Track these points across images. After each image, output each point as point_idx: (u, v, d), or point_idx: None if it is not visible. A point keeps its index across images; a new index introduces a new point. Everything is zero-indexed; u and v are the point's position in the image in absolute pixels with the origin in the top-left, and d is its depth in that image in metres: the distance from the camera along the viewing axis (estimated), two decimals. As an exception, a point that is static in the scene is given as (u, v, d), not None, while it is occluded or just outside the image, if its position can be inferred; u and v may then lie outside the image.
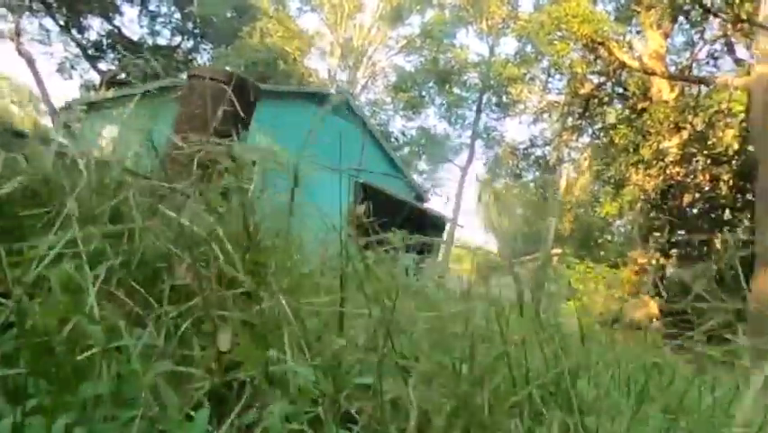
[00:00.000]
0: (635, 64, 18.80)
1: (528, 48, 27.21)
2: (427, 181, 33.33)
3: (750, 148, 16.69)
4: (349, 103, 20.94)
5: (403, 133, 33.32)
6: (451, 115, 32.71)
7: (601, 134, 23.86)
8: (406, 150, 32.72)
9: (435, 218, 19.57)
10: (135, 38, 30.06)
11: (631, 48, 20.16)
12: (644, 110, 19.51)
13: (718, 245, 17.54)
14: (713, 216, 17.03)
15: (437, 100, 32.81)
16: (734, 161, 16.41)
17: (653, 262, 18.47)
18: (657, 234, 17.75)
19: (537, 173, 33.12)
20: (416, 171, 32.44)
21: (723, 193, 16.76)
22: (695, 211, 18.75)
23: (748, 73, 15.03)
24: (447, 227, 22.80)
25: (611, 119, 22.64)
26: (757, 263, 11.97)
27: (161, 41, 31.09)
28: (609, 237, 25.13)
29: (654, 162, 17.24)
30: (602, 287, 19.15)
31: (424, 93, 32.64)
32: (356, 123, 20.80)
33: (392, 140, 31.99)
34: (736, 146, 15.82)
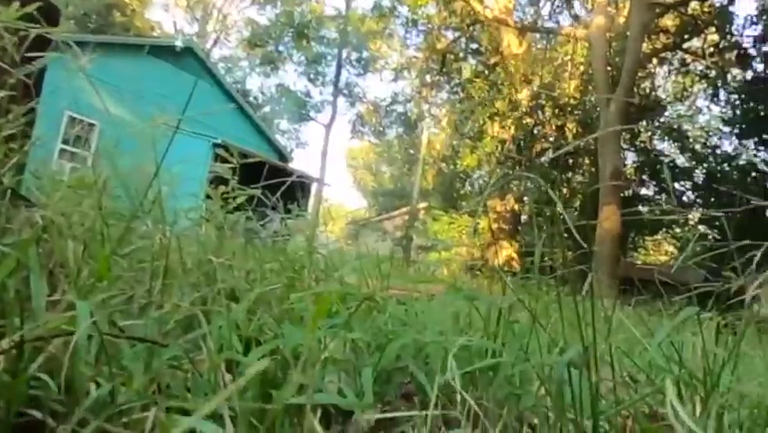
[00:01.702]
0: (490, 14, 19.34)
1: (385, 2, 26.91)
2: (291, 141, 32.26)
3: (588, 97, 18.12)
4: (199, 57, 19.21)
5: (262, 92, 31.67)
6: (311, 71, 31.65)
7: (458, 90, 24.55)
8: (267, 108, 31.20)
9: (301, 178, 18.92)
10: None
11: (482, 2, 20.71)
12: (496, 64, 20.28)
13: (566, 191, 19.07)
14: (560, 162, 18.33)
15: (295, 56, 31.52)
16: (576, 111, 17.69)
17: (510, 209, 19.64)
18: (513, 182, 18.79)
19: (400, 130, 33.61)
20: (279, 131, 31.18)
21: (568, 141, 18.08)
22: (542, 159, 20.11)
23: (587, 27, 16.09)
24: (314, 187, 22.31)
25: (467, 74, 23.33)
26: (601, 204, 13.03)
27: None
28: (470, 188, 26.28)
29: (509, 114, 18.04)
30: (465, 236, 20.02)
31: (281, 48, 31.13)
32: (210, 80, 19.23)
33: (251, 98, 30.28)
34: (578, 96, 17.03)
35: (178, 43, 18.07)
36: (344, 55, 30.41)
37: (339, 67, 29.98)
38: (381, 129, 34.28)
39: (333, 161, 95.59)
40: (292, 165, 21.83)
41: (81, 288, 0.80)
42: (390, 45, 28.12)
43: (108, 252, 0.89)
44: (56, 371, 0.57)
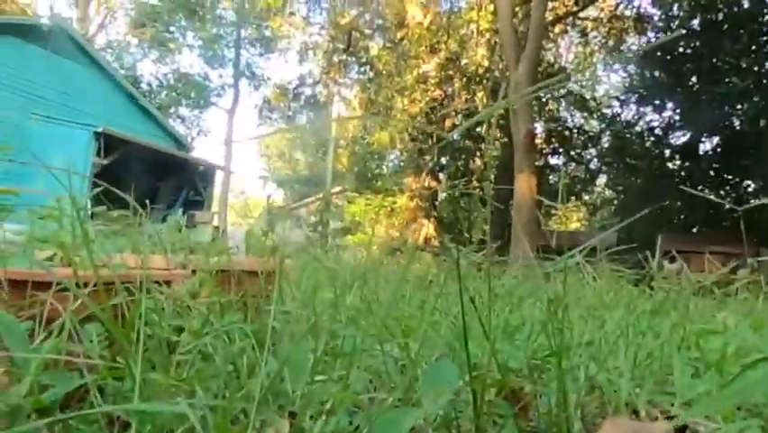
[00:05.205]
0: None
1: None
2: (192, 128, 30.05)
3: (496, 67, 17.83)
4: (74, 39, 17.04)
5: (156, 77, 29.16)
6: (207, 53, 29.50)
7: (367, 69, 23.79)
8: (163, 94, 28.80)
9: (203, 167, 17.44)
10: None
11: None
12: (403, 39, 19.62)
13: (479, 163, 18.80)
14: (472, 133, 17.95)
15: (190, 39, 29.23)
16: (486, 80, 17.33)
17: (426, 186, 19.13)
18: (427, 158, 18.26)
19: (310, 113, 32.36)
20: (178, 118, 28.93)
21: (479, 112, 17.71)
22: (455, 135, 19.72)
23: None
24: (218, 177, 20.75)
25: (374, 53, 22.59)
26: (516, 173, 12.69)
27: None
28: (384, 168, 25.61)
29: (417, 87, 17.41)
30: (383, 216, 19.32)
31: (173, 30, 28.73)
32: (89, 65, 17.21)
33: (145, 85, 27.83)
34: (486, 64, 16.64)
35: (45, 21, 15.87)
36: (243, 34, 28.62)
37: (238, 47, 28.17)
38: (291, 114, 32.80)
39: (245, 150, 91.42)
40: (194, 154, 20.15)
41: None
42: (292, 23, 26.71)
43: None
44: None
